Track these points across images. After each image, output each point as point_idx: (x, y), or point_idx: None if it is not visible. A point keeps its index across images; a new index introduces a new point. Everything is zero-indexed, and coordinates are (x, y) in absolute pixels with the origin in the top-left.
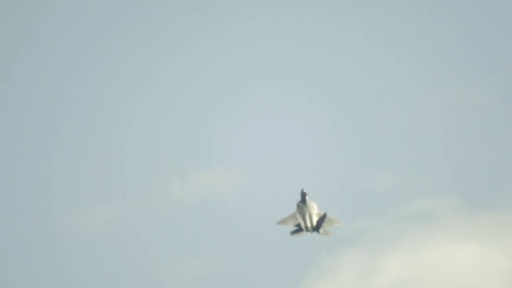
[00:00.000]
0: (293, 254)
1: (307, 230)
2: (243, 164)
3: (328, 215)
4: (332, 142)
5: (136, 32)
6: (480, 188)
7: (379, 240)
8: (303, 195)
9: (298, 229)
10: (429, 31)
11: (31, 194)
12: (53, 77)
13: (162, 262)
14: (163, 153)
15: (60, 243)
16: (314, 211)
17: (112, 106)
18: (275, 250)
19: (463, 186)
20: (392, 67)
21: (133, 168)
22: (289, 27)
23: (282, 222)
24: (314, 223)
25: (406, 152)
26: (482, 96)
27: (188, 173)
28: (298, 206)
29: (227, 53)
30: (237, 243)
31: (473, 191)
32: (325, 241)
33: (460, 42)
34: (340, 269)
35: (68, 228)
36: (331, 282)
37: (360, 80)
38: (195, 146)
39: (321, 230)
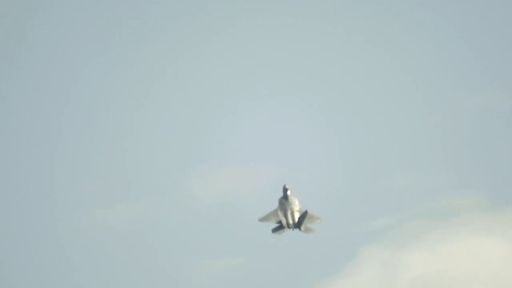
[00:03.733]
0: (313, 251)
1: (288, 227)
2: (261, 163)
3: (309, 212)
4: (352, 141)
5: (147, 33)
6: (503, 184)
7: (402, 237)
8: (285, 190)
9: (280, 226)
10: (440, 32)
11: (52, 193)
12: (68, 77)
13: (181, 261)
14: (180, 152)
15: (81, 241)
16: (296, 208)
17: (128, 107)
18: (295, 248)
19: (485, 182)
20: (412, 66)
21: (151, 168)
22: (298, 29)
23: (264, 219)
24: (296, 219)
25: (427, 150)
26: (503, 96)
27: (205, 172)
28: (280, 202)
29: (235, 52)
30: (256, 241)
31: (496, 187)
32: (347, 239)
33: (477, 42)
34: (363, 266)
35: (88, 227)
36: (354, 279)
37: (378, 79)
38: (210, 145)
39: (302, 227)
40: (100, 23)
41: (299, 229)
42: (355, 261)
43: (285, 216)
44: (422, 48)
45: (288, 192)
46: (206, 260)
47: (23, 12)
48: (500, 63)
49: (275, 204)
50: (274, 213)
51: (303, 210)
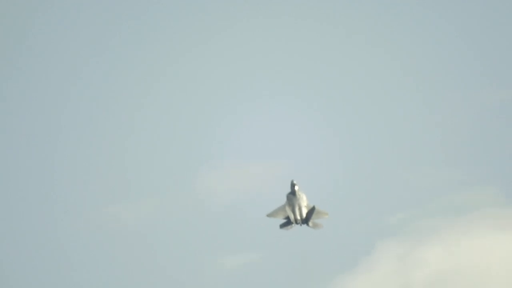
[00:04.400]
0: (328, 246)
1: (296, 222)
2: (273, 159)
3: (317, 207)
4: (367, 136)
5: (147, 33)
6: None
7: (418, 233)
8: (293, 186)
9: (287, 222)
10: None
11: (65, 191)
12: (68, 77)
13: (196, 258)
14: (188, 151)
15: (94, 238)
16: (304, 203)
17: (131, 107)
18: (310, 244)
19: (501, 178)
20: (427, 63)
21: (162, 167)
22: (297, 29)
23: (272, 214)
24: (304, 215)
25: (444, 145)
26: None
27: (211, 171)
28: (287, 197)
29: (235, 53)
30: (270, 238)
31: None
32: (363, 234)
33: (477, 42)
34: (379, 261)
35: (102, 224)
36: (370, 274)
37: (397, 75)
38: (216, 143)
39: (310, 223)
40: (100, 23)
41: (307, 224)
42: (371, 256)
43: (293, 211)
44: (422, 48)
45: (296, 188)
46: (220, 257)
47: (23, 12)
48: (501, 62)
49: (284, 200)
50: (282, 208)
51: (311, 205)
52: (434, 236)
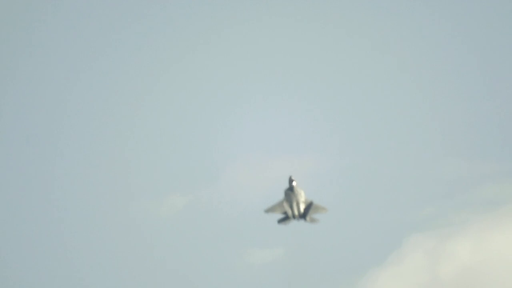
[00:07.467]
0: (359, 241)
1: (294, 217)
2: (315, 155)
3: (315, 203)
4: (402, 130)
5: (162, 36)
6: None
7: (447, 227)
8: (291, 182)
9: (285, 217)
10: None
11: (108, 187)
12: (105, 80)
13: (228, 252)
14: (211, 148)
15: (133, 230)
16: (302, 199)
17: (148, 109)
18: (337, 239)
19: None
20: (466, 62)
21: (186, 164)
22: (312, 31)
23: (270, 210)
24: (302, 210)
25: (475, 139)
26: None
27: (231, 168)
28: (285, 193)
29: (234, 53)
30: (301, 231)
31: None
32: (394, 227)
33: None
34: (408, 254)
35: (140, 217)
36: (399, 267)
37: (427, 73)
38: (236, 141)
39: (307, 218)
40: (101, 24)
41: (305, 219)
42: (400, 250)
43: (291, 207)
44: (422, 48)
45: (294, 183)
46: (247, 252)
47: (23, 12)
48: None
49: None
50: (280, 204)
51: (309, 201)
52: (463, 230)
